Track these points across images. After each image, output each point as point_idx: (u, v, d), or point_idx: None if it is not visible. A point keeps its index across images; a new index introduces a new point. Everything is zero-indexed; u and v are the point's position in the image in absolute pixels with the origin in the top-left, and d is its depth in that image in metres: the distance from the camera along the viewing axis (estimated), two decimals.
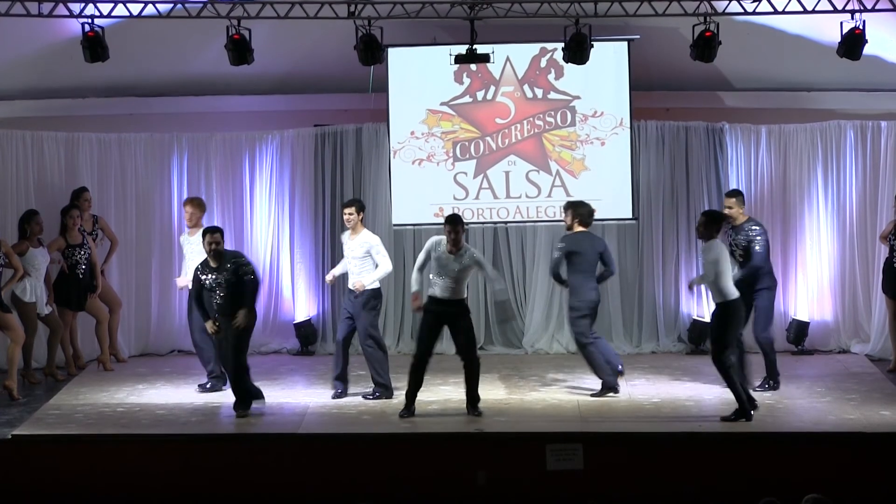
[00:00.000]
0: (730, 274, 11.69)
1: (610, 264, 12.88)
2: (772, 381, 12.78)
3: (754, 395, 12.03)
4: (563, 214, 13.00)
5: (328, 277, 13.45)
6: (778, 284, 13.25)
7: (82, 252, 13.90)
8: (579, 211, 12.81)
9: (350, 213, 12.75)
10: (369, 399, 12.62)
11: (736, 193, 13.06)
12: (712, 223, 11.67)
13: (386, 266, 12.69)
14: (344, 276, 12.96)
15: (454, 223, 12.02)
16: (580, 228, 12.76)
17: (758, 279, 12.58)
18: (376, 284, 12.67)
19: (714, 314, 11.73)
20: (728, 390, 11.60)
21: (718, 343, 11.57)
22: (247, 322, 11.92)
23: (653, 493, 10.94)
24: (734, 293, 11.62)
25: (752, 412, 11.59)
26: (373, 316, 12.71)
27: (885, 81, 14.61)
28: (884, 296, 14.08)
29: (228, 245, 13.24)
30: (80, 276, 13.89)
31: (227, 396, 12.51)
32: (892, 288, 13.81)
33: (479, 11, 12.93)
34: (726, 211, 12.66)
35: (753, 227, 12.70)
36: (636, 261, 15.18)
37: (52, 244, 13.74)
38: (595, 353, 12.66)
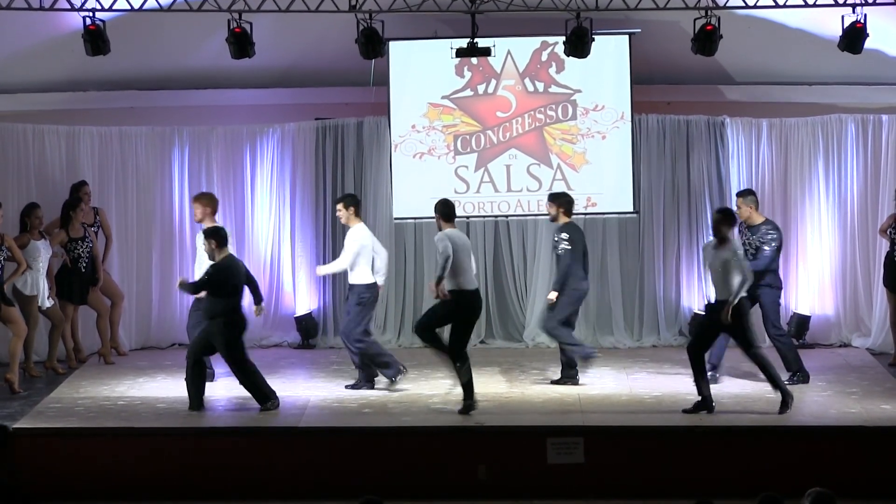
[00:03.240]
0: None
1: (587, 256, 12.99)
2: (800, 373, 12.78)
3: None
4: (548, 206, 12.95)
5: (319, 270, 13.49)
6: (783, 285, 13.25)
7: (84, 245, 13.88)
8: (562, 200, 12.87)
9: (338, 210, 12.75)
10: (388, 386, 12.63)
11: (745, 193, 13.07)
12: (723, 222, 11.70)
13: (341, 262, 12.64)
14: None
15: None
16: (565, 219, 12.80)
17: (761, 276, 12.54)
18: (370, 279, 12.62)
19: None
20: (733, 384, 11.60)
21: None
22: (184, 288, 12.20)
23: (653, 487, 10.95)
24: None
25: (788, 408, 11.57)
26: (357, 311, 12.55)
27: (887, 75, 14.60)
28: (885, 289, 14.07)
29: (233, 240, 13.19)
30: (83, 269, 13.88)
31: (228, 390, 12.51)
32: (893, 282, 13.80)
33: (480, 5, 12.91)
34: (735, 210, 12.58)
35: (770, 231, 12.76)
36: (637, 254, 15.16)
37: (54, 237, 13.73)
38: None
